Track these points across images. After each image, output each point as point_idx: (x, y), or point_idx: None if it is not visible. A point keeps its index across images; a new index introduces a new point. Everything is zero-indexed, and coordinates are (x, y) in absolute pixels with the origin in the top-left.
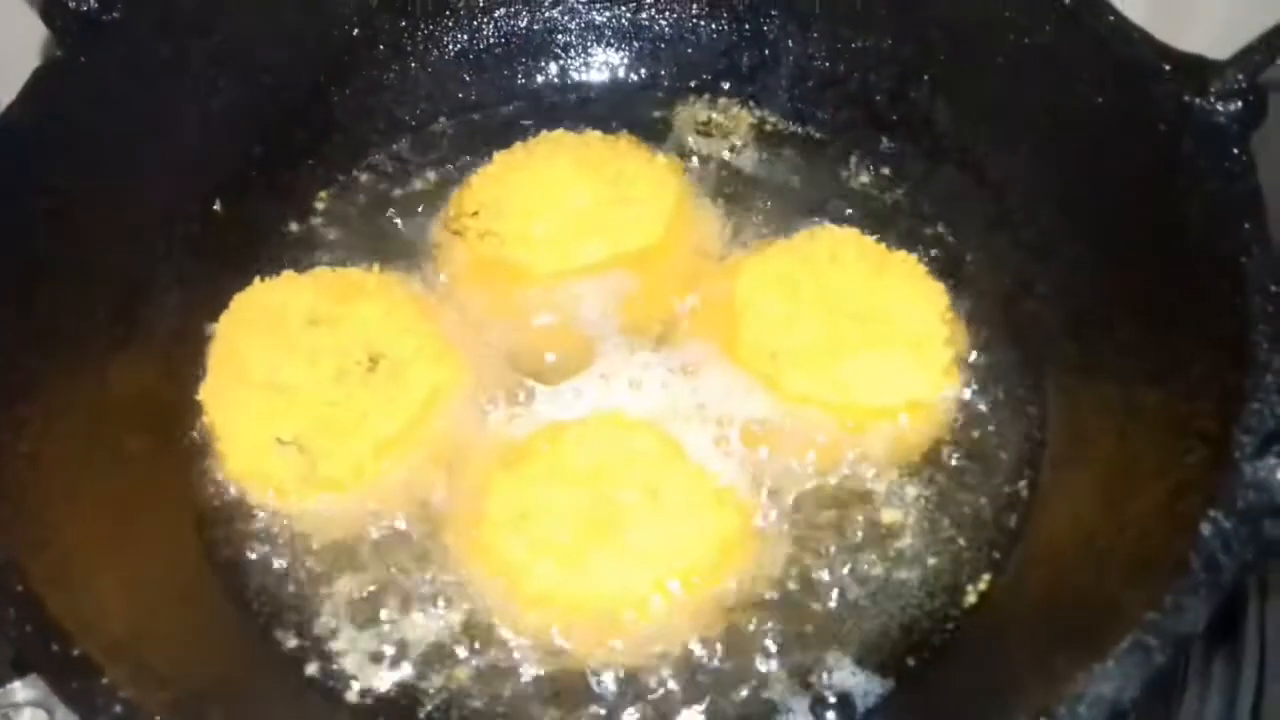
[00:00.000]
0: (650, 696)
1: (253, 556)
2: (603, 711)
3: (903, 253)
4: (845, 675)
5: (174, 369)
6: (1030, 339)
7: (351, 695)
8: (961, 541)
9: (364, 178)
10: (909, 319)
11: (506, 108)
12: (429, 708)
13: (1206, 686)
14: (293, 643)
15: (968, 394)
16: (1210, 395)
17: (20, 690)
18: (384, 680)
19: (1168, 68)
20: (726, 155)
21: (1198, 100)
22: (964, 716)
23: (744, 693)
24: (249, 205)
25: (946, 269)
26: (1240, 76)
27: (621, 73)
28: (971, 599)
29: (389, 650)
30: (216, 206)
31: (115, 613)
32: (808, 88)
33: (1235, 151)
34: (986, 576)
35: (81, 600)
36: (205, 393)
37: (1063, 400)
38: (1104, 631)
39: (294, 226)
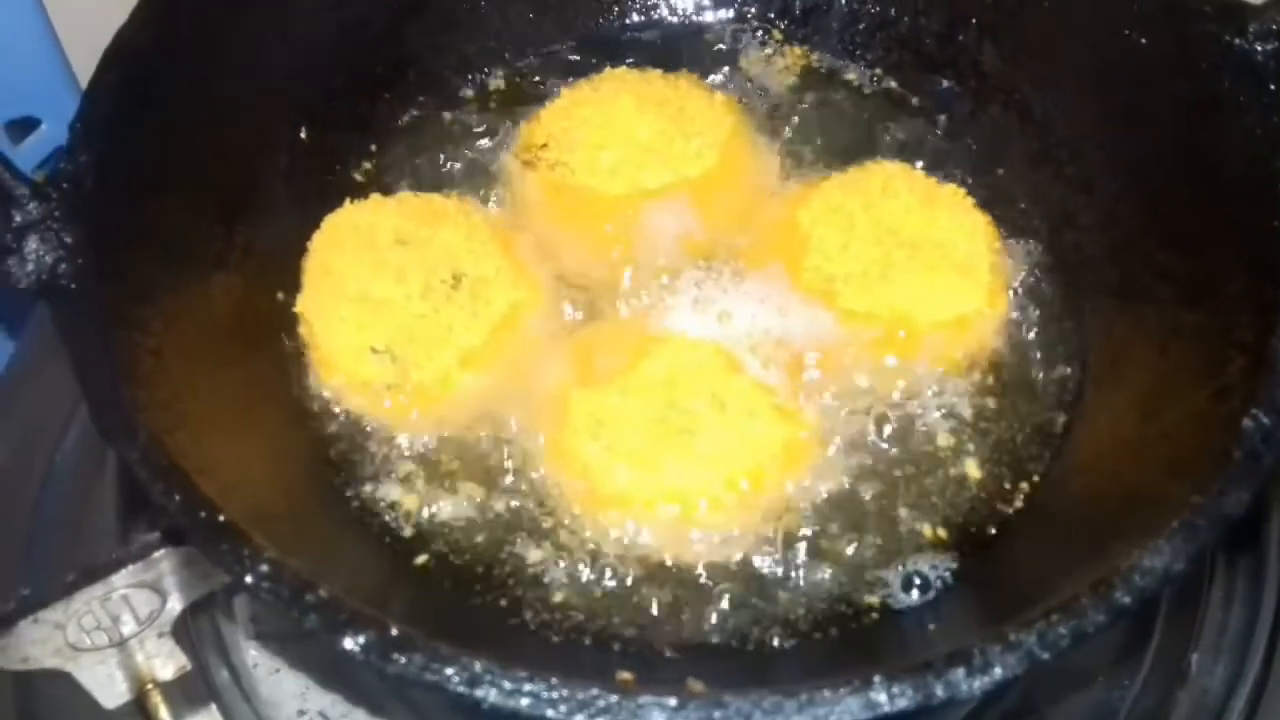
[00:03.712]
0: (728, 589)
1: (351, 457)
2: (686, 599)
3: (951, 186)
4: (899, 573)
5: (271, 284)
6: (1073, 267)
7: (444, 580)
8: (1007, 453)
9: (439, 111)
10: (957, 247)
11: (570, 45)
12: (517, 596)
13: (1230, 599)
14: (389, 531)
15: (1013, 318)
16: (1248, 310)
17: (120, 578)
18: (476, 570)
19: (1208, 9)
20: (782, 93)
21: (1237, 40)
22: (1022, 599)
23: (801, 584)
24: (333, 134)
25: (993, 201)
26: (1278, 17)
27: (681, 13)
28: (1019, 503)
29: (479, 543)
30: (302, 134)
31: (241, 493)
32: (859, 30)
33: (1273, 88)
34: (1034, 480)
35: (213, 478)
36: (303, 305)
37: (1103, 323)
38: (1151, 519)
39: (375, 156)
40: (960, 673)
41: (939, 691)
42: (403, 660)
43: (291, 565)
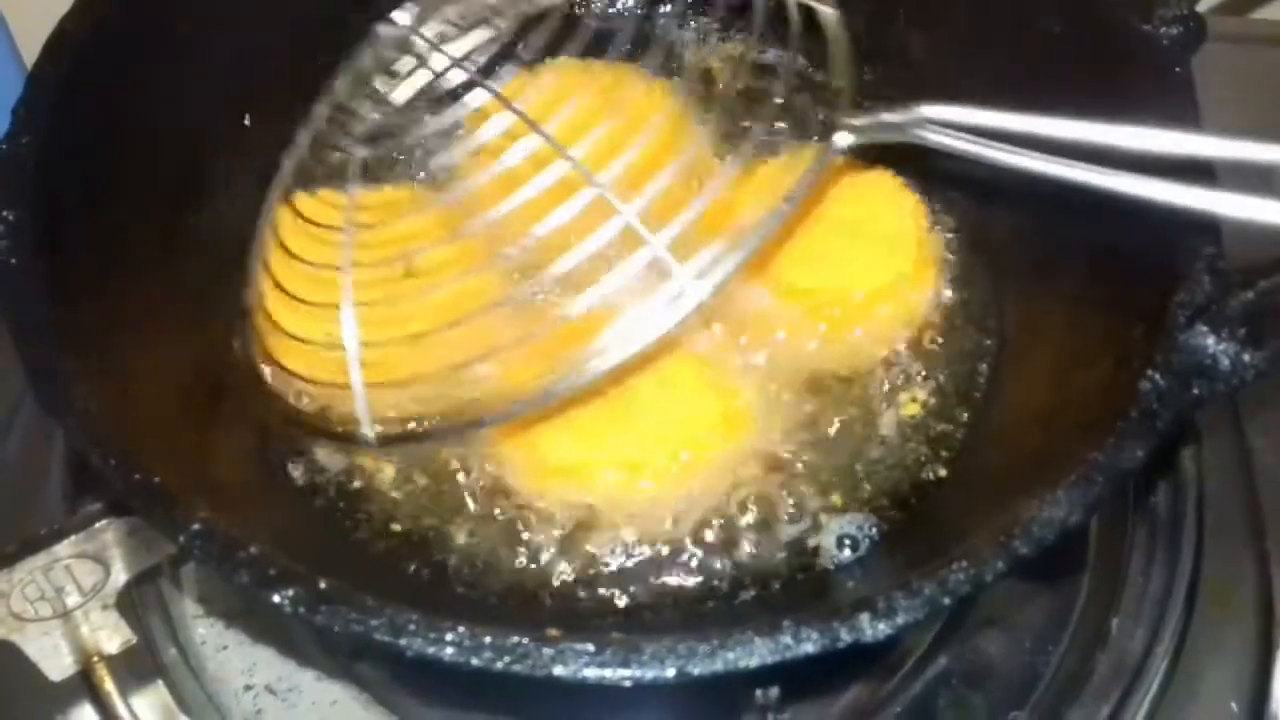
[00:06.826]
0: (665, 554)
1: (298, 438)
2: (633, 565)
3: (880, 169)
4: (831, 534)
5: (220, 271)
6: (995, 245)
7: (392, 553)
8: (931, 423)
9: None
10: (887, 226)
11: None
12: (465, 567)
13: (1150, 564)
14: (336, 508)
15: (938, 295)
16: (1151, 281)
17: (62, 548)
18: (425, 543)
19: None
20: (718, 81)
21: (1145, 26)
22: (936, 554)
23: (742, 547)
24: (280, 123)
25: (920, 184)
26: (1182, 3)
27: (621, 5)
28: (941, 471)
29: (427, 516)
30: (246, 122)
31: (182, 466)
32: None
33: (1177, 70)
34: (954, 451)
35: (152, 449)
36: (251, 292)
37: (1022, 299)
38: (1053, 478)
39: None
40: (865, 617)
41: (845, 635)
42: (329, 612)
43: (223, 525)
